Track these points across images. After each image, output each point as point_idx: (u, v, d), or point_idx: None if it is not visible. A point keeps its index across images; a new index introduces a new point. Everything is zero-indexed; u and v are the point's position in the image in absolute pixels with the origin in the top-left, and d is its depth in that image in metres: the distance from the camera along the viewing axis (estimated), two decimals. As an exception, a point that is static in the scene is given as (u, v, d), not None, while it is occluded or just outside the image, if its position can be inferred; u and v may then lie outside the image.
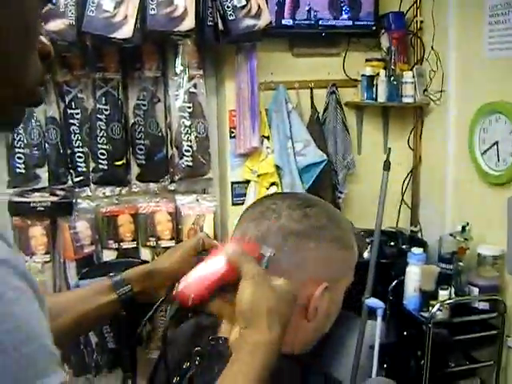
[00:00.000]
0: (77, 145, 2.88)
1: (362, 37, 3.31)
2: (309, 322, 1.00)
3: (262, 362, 0.84)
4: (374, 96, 3.26)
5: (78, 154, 2.89)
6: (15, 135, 2.74)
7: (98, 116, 2.85)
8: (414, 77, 3.22)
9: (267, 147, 3.10)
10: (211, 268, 0.94)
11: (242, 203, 3.08)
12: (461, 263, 2.78)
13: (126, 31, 2.50)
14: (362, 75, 3.27)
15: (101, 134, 2.86)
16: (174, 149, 2.96)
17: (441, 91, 3.17)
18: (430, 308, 2.66)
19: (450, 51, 3.09)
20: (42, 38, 0.71)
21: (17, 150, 2.76)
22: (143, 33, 2.58)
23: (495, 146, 2.85)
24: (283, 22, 3.12)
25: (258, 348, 0.85)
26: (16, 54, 0.64)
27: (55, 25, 2.43)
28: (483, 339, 2.78)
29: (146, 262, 2.74)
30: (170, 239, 2.99)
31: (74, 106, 2.86)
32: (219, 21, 2.72)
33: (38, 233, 2.83)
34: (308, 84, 3.27)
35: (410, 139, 3.48)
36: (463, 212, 3.06)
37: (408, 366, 2.74)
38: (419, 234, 3.47)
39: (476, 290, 2.75)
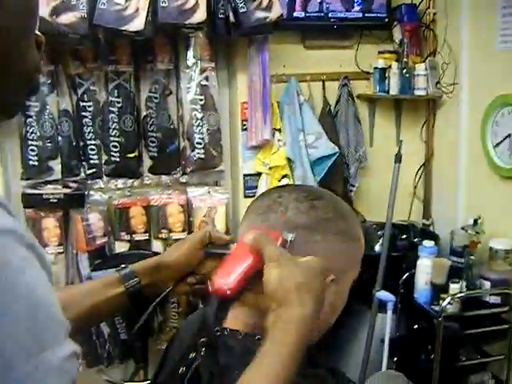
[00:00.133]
0: (89, 137, 2.90)
1: (374, 29, 3.29)
2: None
3: (296, 338, 0.84)
4: (387, 88, 3.25)
5: (90, 147, 2.91)
6: (28, 127, 2.76)
7: (111, 108, 2.86)
8: (426, 69, 3.21)
9: (279, 140, 3.10)
10: (239, 259, 0.96)
11: (254, 195, 3.07)
12: (472, 257, 2.77)
13: (137, 24, 2.50)
14: (375, 68, 3.25)
15: (113, 127, 2.87)
16: (186, 141, 2.97)
17: (453, 84, 3.16)
18: (441, 301, 2.65)
19: (462, 43, 3.07)
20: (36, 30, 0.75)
21: (30, 142, 2.78)
22: (155, 25, 2.58)
23: (508, 139, 2.83)
24: (295, 14, 3.11)
25: (290, 323, 0.85)
26: (16, 46, 0.66)
27: (67, 18, 2.44)
28: (494, 333, 2.77)
29: (157, 253, 2.75)
30: (182, 231, 3.00)
31: (86, 99, 2.87)
32: (230, 13, 2.72)
33: (50, 224, 2.85)
34: (320, 76, 3.26)
35: (422, 132, 3.47)
36: (475, 205, 3.05)
37: (418, 359, 2.73)
38: (431, 228, 3.46)
39: (487, 284, 2.74)
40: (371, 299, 2.81)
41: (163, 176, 3.02)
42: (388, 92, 3.25)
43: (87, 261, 2.90)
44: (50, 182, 2.83)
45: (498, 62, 2.87)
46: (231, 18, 2.72)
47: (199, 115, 2.94)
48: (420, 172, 3.50)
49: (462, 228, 2.90)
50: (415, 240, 3.14)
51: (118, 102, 2.86)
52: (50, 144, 2.80)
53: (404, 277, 2.93)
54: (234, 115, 3.13)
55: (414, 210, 3.52)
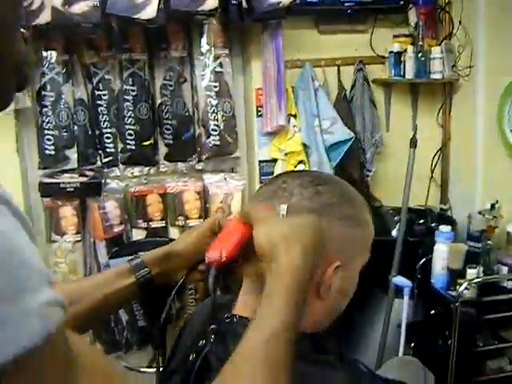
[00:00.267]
0: (105, 126, 2.92)
1: (389, 12, 3.25)
2: (322, 300, 1.00)
3: (288, 287, 0.85)
4: (402, 73, 3.22)
5: (106, 135, 2.92)
6: (44, 117, 2.78)
7: (125, 97, 2.87)
8: (442, 52, 3.17)
9: (294, 125, 3.09)
10: (231, 231, 0.99)
11: (270, 182, 3.08)
12: (490, 241, 2.75)
13: (149, 12, 2.50)
14: (390, 52, 3.22)
15: (128, 115, 2.88)
16: (201, 128, 2.97)
17: (469, 67, 3.12)
18: (458, 287, 2.64)
19: (478, 26, 3.04)
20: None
21: (46, 131, 2.80)
22: (167, 13, 2.58)
23: (525, 122, 2.81)
24: (308, -1, 3.08)
25: (280, 274, 0.86)
26: (7, 33, 0.66)
27: (79, 7, 2.44)
28: (512, 319, 2.76)
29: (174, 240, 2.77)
30: (198, 218, 3.01)
31: (101, 88, 2.88)
32: (243, -1, 2.71)
33: (68, 213, 2.88)
34: (335, 61, 3.24)
35: (438, 116, 3.44)
36: (492, 190, 3.03)
37: (435, 345, 2.73)
38: (449, 212, 3.44)
39: (505, 269, 2.73)
40: (388, 284, 2.80)
41: (179, 163, 3.03)
42: (404, 76, 3.22)
43: (105, 249, 2.93)
44: (66, 171, 2.84)
45: (514, 44, 2.83)
46: (244, 4, 2.70)
47: (214, 102, 2.94)
48: (437, 156, 3.47)
49: (479, 212, 2.88)
50: (432, 225, 3.12)
51: (133, 91, 2.87)
52: (65, 133, 2.82)
53: (421, 262, 2.93)
54: (248, 101, 3.12)
55: (431, 195, 3.50)
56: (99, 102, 2.89)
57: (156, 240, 2.92)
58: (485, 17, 3.00)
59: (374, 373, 1.11)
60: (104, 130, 2.92)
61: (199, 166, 3.05)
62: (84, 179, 2.87)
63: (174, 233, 3.03)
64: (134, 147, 2.91)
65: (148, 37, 2.85)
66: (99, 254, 2.93)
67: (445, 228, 2.84)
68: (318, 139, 3.07)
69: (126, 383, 0.71)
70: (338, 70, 3.25)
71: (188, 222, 3.00)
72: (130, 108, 2.87)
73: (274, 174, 3.06)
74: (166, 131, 2.97)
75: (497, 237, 2.80)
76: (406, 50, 3.19)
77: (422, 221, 3.20)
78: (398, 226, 2.94)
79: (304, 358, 0.96)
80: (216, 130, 2.95)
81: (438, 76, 3.21)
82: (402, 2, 3.19)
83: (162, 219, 3.01)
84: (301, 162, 3.10)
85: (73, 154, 2.85)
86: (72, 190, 2.83)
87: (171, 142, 2.98)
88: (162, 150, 3.00)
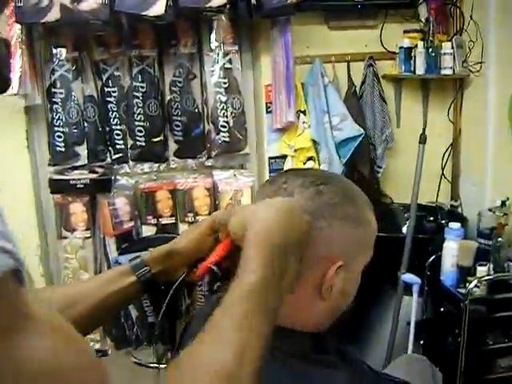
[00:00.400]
0: (115, 122, 2.92)
1: (399, 8, 3.22)
2: (323, 300, 1.00)
3: (255, 252, 0.86)
4: (413, 68, 3.19)
5: (116, 132, 2.93)
6: (54, 114, 2.80)
7: (135, 93, 2.87)
8: (452, 48, 3.14)
9: (304, 122, 3.08)
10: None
11: (280, 178, 3.07)
12: (500, 239, 2.73)
13: (158, 8, 2.49)
14: (400, 47, 3.20)
15: (138, 112, 2.88)
16: (211, 124, 2.96)
17: (480, 62, 3.09)
18: (468, 284, 2.62)
19: (489, 21, 3.00)
20: None
21: (56, 128, 2.81)
22: (175, 9, 2.57)
23: (536, 118, 2.78)
24: (318, -6, 3.06)
25: (249, 245, 0.87)
26: None
27: (88, 4, 2.44)
28: (523, 317, 2.75)
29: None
30: (208, 214, 3.00)
31: (111, 84, 2.89)
32: (252, -5, 2.70)
33: (78, 209, 2.89)
34: (345, 57, 3.22)
35: (449, 112, 3.42)
36: (503, 186, 3.00)
37: (445, 342, 2.72)
38: (459, 209, 3.42)
39: (515, 267, 2.71)
40: (397, 282, 2.80)
41: (189, 160, 3.03)
42: (414, 72, 3.19)
43: (115, 245, 2.95)
44: (76, 168, 2.86)
45: (526, 40, 2.81)
46: (252, 0, 2.69)
47: (223, 98, 2.93)
48: (448, 152, 3.45)
49: (490, 209, 2.86)
50: (443, 222, 3.11)
51: (143, 87, 2.87)
52: (75, 130, 2.83)
53: (431, 259, 2.91)
54: (258, 98, 3.11)
55: (442, 191, 3.48)
56: (109, 99, 2.90)
57: (165, 236, 2.92)
58: (496, 11, 2.97)
59: (378, 372, 1.11)
60: (114, 127, 2.93)
61: (209, 163, 3.05)
62: (94, 176, 2.88)
63: (183, 229, 3.03)
64: (143, 144, 2.92)
65: (157, 33, 2.85)
66: (109, 250, 2.96)
67: (455, 225, 2.82)
68: (328, 135, 3.06)
69: (89, 347, 0.70)
70: (348, 66, 3.24)
71: (197, 218, 3.00)
72: (140, 105, 2.88)
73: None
74: (175, 128, 2.97)
75: (507, 234, 2.77)
76: (416, 46, 3.17)
77: (432, 218, 3.18)
78: (408, 223, 2.93)
79: (305, 357, 0.97)
80: (225, 127, 2.95)
81: (448, 72, 3.18)
82: (412, -3, 3.17)
83: (171, 216, 3.02)
84: (310, 158, 3.09)
85: (83, 150, 2.86)
86: (82, 186, 2.85)
87: (181, 138, 2.98)
88: (172, 146, 3.00)
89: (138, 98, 2.88)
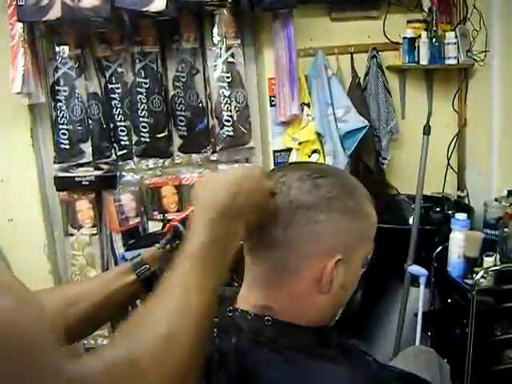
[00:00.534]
0: (119, 119, 2.93)
1: (402, -2, 3.21)
2: (323, 294, 1.00)
3: (202, 215, 0.89)
4: (416, 59, 3.17)
5: (120, 128, 2.94)
6: (58, 112, 2.81)
7: (138, 89, 2.88)
8: (456, 37, 3.12)
9: (308, 114, 3.07)
10: None
11: (285, 171, 3.06)
12: (506, 229, 2.70)
13: (158, 4, 2.49)
14: (404, 38, 3.18)
15: (142, 108, 2.89)
16: (215, 119, 2.96)
17: (485, 51, 3.06)
18: (475, 275, 2.61)
19: (493, 9, 2.97)
20: None
21: (60, 126, 2.82)
22: (177, 4, 2.57)
23: (542, 107, 2.76)
24: (320, -14, 3.05)
25: (198, 206, 0.91)
26: None
27: (89, 2, 2.44)
28: (531, 307, 2.73)
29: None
30: (214, 209, 3.01)
31: (114, 81, 2.90)
32: (252, -12, 2.69)
33: (84, 206, 2.91)
34: (348, 49, 3.21)
35: (454, 102, 3.39)
36: (509, 176, 2.98)
37: (453, 334, 2.71)
38: (466, 199, 3.40)
39: (522, 257, 2.69)
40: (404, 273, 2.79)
41: (193, 155, 3.03)
42: (418, 62, 3.18)
43: (121, 241, 2.96)
44: (81, 165, 2.87)
45: (530, 27, 2.78)
46: (253, -6, 2.69)
47: (227, 93, 2.93)
48: (453, 143, 3.43)
49: (496, 200, 2.85)
50: (449, 212, 3.09)
51: (146, 83, 2.88)
52: (80, 127, 2.84)
53: (437, 250, 2.90)
54: (261, 91, 3.11)
55: (448, 182, 3.46)
56: (112, 96, 2.91)
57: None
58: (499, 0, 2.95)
59: (384, 365, 1.10)
60: (118, 123, 2.94)
61: (213, 157, 3.05)
62: (99, 172, 2.89)
63: (190, 224, 3.03)
64: (148, 140, 2.92)
65: (159, 29, 2.86)
66: (116, 246, 2.97)
67: (461, 216, 2.80)
68: (332, 128, 3.05)
69: (43, 309, 0.72)
70: (352, 58, 3.22)
71: (203, 212, 2.99)
72: (144, 100, 2.88)
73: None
74: (179, 123, 2.97)
75: (514, 224, 2.76)
76: (419, 36, 3.15)
77: (438, 208, 3.17)
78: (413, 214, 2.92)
79: (305, 352, 0.97)
80: (229, 121, 2.95)
81: (452, 61, 3.16)
82: (415, -13, 3.15)
83: (177, 210, 3.03)
84: (315, 151, 3.09)
85: (87, 147, 2.87)
86: (87, 183, 2.86)
87: (185, 133, 2.99)
88: (176, 141, 3.01)
89: (141, 93, 2.88)
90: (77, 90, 2.82)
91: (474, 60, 3.16)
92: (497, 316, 2.66)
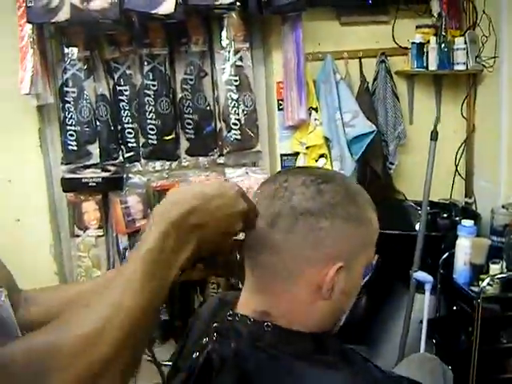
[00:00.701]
0: (126, 121, 2.94)
1: (411, 3, 3.21)
2: (325, 300, 0.99)
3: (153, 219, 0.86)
4: (425, 64, 3.17)
5: (127, 130, 2.94)
6: (66, 113, 2.81)
7: (146, 92, 2.88)
8: (465, 43, 3.11)
9: (315, 119, 3.07)
10: None
11: (292, 175, 3.06)
12: (514, 236, 2.70)
13: (167, 7, 2.49)
14: (412, 43, 3.17)
15: (149, 110, 2.89)
16: (222, 122, 2.96)
17: (494, 57, 3.05)
18: (481, 282, 2.60)
19: (502, 15, 2.96)
20: None
21: (68, 127, 2.82)
22: (185, 7, 2.57)
23: (551, 114, 2.74)
24: (329, -10, 3.05)
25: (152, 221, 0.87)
26: None
27: (98, 4, 2.45)
28: (536, 315, 2.71)
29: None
30: (220, 212, 3.00)
31: (122, 83, 2.90)
32: (262, -8, 2.69)
33: (90, 208, 2.91)
34: (356, 53, 3.21)
35: (463, 108, 3.38)
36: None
37: (458, 341, 2.69)
38: (473, 206, 3.39)
39: (529, 265, 2.67)
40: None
41: (200, 157, 3.03)
42: (427, 68, 3.17)
43: (127, 243, 2.96)
44: (88, 166, 2.87)
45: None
46: (263, -3, 2.69)
47: (235, 96, 2.93)
48: (461, 149, 3.42)
49: (503, 206, 2.83)
50: (456, 219, 3.07)
51: (154, 85, 2.88)
52: (88, 129, 2.84)
53: (444, 257, 2.88)
54: (270, 95, 3.10)
55: (456, 188, 3.45)
56: (121, 98, 2.92)
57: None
58: (509, 5, 2.92)
59: (386, 372, 1.10)
60: (126, 125, 2.94)
61: (221, 160, 3.05)
62: (106, 174, 2.89)
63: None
64: (155, 142, 2.92)
65: (168, 31, 2.86)
66: (122, 248, 2.96)
67: (467, 222, 2.78)
68: (340, 132, 3.05)
69: None
70: (360, 63, 3.23)
71: (210, 216, 2.99)
72: (151, 103, 2.88)
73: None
74: (187, 126, 2.97)
75: (521, 231, 2.74)
76: (428, 41, 3.14)
77: (445, 215, 3.16)
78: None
79: (304, 358, 0.96)
80: (237, 124, 2.94)
81: (461, 67, 3.15)
82: (424, -8, 3.14)
83: (184, 213, 3.01)
84: (322, 155, 3.08)
85: (95, 149, 2.87)
86: (94, 184, 2.86)
87: (192, 136, 2.99)
88: (184, 144, 3.01)
89: (149, 96, 2.88)
90: (85, 92, 2.82)
91: (483, 66, 3.15)
92: (502, 324, 2.65)
